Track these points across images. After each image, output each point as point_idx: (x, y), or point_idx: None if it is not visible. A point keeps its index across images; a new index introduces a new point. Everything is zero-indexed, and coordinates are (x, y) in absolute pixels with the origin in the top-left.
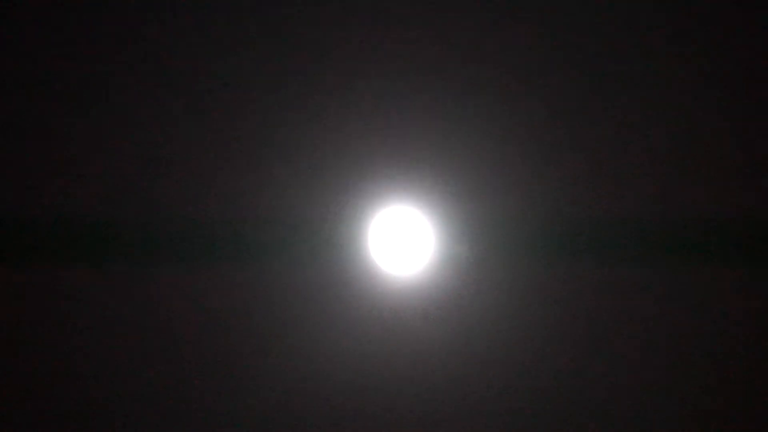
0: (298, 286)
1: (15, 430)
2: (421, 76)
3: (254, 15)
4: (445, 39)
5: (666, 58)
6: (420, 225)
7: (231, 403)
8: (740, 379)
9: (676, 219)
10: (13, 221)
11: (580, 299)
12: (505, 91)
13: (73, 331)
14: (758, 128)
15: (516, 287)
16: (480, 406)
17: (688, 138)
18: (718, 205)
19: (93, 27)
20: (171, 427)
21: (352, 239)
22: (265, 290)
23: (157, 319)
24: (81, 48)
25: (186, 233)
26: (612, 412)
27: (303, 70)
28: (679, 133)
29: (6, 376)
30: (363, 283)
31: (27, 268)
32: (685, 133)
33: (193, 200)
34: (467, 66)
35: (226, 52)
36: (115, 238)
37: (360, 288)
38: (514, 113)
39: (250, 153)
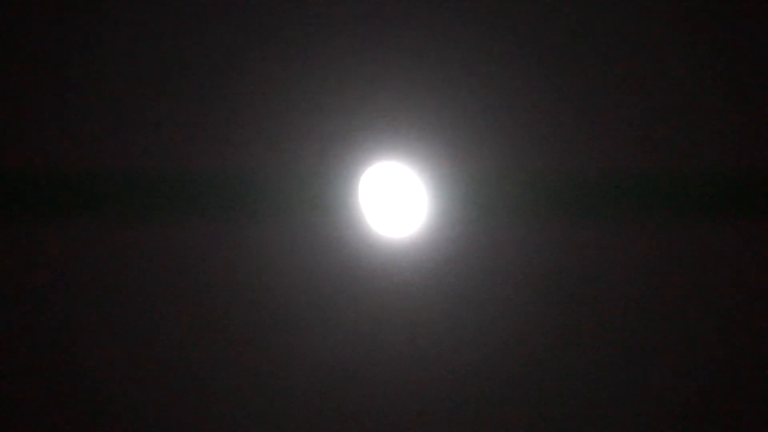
0: (285, 243)
1: None
2: (415, 29)
3: None
4: None
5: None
6: (411, 181)
7: (214, 359)
8: (737, 337)
9: (675, 175)
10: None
11: (575, 257)
12: (502, 44)
13: (57, 286)
14: (750, 82)
15: (510, 246)
16: (473, 368)
17: (684, 93)
18: (713, 160)
19: None
20: (152, 380)
21: (342, 195)
22: (252, 247)
23: (141, 274)
24: None
25: (171, 187)
26: (606, 369)
27: (294, 25)
28: (676, 89)
29: None
30: (352, 241)
31: (12, 223)
32: (680, 89)
33: (179, 154)
34: (462, 18)
35: (215, 5)
36: (100, 191)
37: (349, 245)
38: (511, 67)
39: (237, 106)
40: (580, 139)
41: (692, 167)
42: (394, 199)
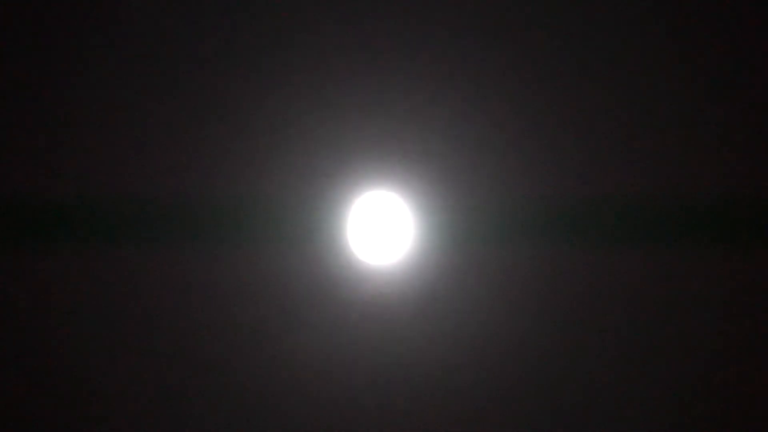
0: (275, 273)
1: None
2: (402, 61)
3: None
4: (425, 21)
5: (643, 40)
6: (399, 210)
7: (204, 390)
8: (728, 362)
9: (660, 201)
10: None
11: (561, 283)
12: (487, 75)
13: (49, 315)
14: (743, 110)
15: (496, 273)
16: (461, 394)
17: (671, 120)
18: (701, 187)
19: (68, 3)
20: (145, 407)
21: (331, 225)
22: (242, 277)
23: (131, 304)
24: (56, 24)
25: (163, 218)
26: (598, 394)
27: (284, 54)
28: (661, 116)
29: None
30: (341, 270)
31: (2, 251)
32: (667, 115)
33: (169, 185)
34: (448, 49)
35: (204, 33)
36: (87, 219)
37: (338, 275)
38: (496, 97)
39: (227, 138)
40: (565, 168)
41: (683, 194)
42: (382, 228)
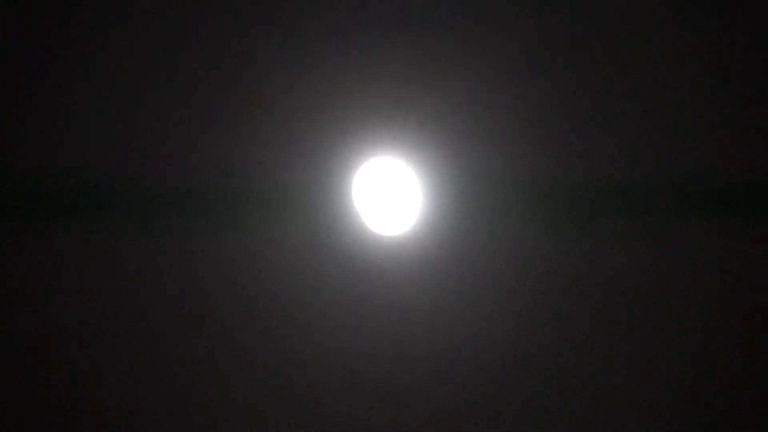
0: (280, 243)
1: None
2: (407, 24)
3: None
4: None
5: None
6: (406, 177)
7: (214, 364)
8: (733, 338)
9: (666, 178)
10: None
11: (570, 257)
12: (497, 40)
13: (51, 293)
14: (747, 84)
15: (505, 244)
16: (466, 366)
17: (678, 94)
18: (706, 161)
19: None
20: (155, 391)
21: (337, 192)
22: (247, 248)
23: (139, 282)
24: (58, 5)
25: (164, 191)
26: (596, 370)
27: (282, 20)
28: (671, 90)
29: None
30: (347, 238)
31: (4, 227)
32: (675, 89)
33: (170, 158)
34: (456, 12)
35: (208, 6)
36: (92, 199)
37: (344, 243)
38: (507, 62)
39: (229, 106)
40: (577, 139)
41: (689, 173)
42: (389, 196)
